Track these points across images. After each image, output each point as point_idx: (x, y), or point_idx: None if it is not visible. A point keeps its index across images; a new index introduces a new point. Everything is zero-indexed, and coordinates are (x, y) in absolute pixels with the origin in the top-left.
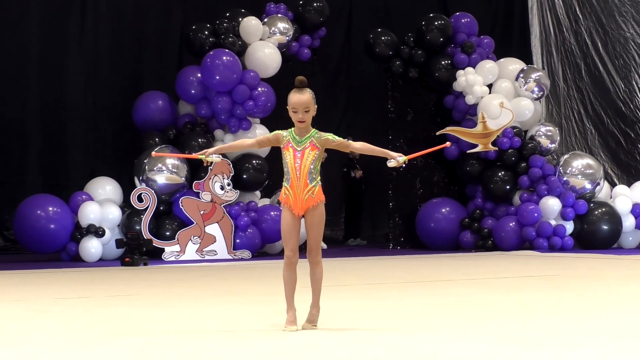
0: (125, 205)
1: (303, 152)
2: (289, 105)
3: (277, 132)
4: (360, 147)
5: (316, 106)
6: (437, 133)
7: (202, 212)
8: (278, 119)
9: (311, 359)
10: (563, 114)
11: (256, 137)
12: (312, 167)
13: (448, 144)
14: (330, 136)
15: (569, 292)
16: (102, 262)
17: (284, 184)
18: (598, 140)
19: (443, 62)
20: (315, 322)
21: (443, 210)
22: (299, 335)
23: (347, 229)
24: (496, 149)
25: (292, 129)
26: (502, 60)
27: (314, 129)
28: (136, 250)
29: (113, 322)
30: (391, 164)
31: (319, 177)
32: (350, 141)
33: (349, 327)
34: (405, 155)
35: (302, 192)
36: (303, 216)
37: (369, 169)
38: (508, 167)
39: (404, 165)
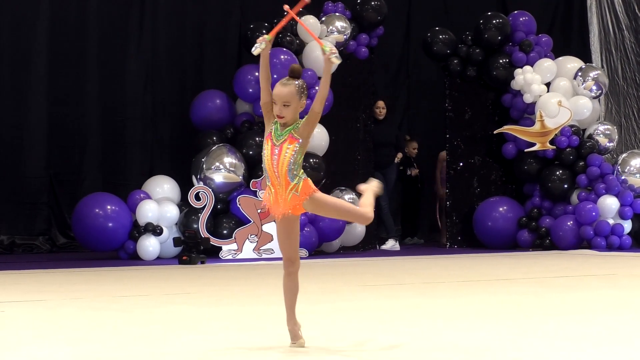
0: (183, 203)
1: (281, 148)
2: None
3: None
4: (318, 96)
5: (304, 101)
6: (495, 132)
7: (259, 211)
8: (337, 118)
9: (371, 358)
10: (623, 112)
11: (270, 93)
12: (291, 163)
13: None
14: (303, 120)
15: (627, 290)
16: (160, 260)
17: (267, 182)
18: None
19: (501, 61)
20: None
21: (500, 209)
22: (358, 333)
23: (404, 228)
24: (554, 147)
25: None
26: (560, 58)
27: (299, 121)
28: (194, 249)
29: (171, 319)
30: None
31: (302, 172)
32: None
33: (408, 326)
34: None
35: (285, 192)
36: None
37: (427, 168)
38: (566, 166)
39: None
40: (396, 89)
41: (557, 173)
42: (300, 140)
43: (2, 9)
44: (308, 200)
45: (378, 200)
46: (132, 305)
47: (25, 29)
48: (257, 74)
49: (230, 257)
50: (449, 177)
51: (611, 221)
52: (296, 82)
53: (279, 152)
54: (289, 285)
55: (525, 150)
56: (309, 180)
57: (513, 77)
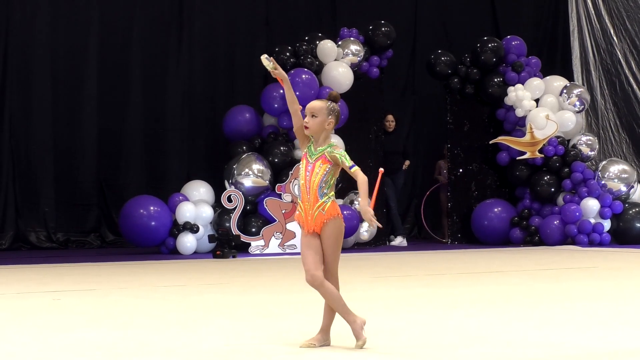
0: (217, 205)
1: (314, 165)
2: None
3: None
4: (359, 182)
5: (332, 120)
6: (490, 142)
7: (283, 211)
8: (351, 130)
9: (381, 340)
10: (601, 125)
11: (300, 117)
12: (322, 181)
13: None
14: (339, 155)
15: (607, 281)
16: (196, 254)
17: (298, 199)
18: (632, 148)
19: (496, 80)
20: (322, 343)
21: (495, 209)
22: (369, 318)
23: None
24: (542, 155)
25: (313, 140)
26: (547, 77)
27: (331, 143)
28: (226, 245)
29: (207, 306)
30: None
31: (332, 194)
32: (356, 171)
33: (414, 312)
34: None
35: (312, 208)
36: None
37: (431, 174)
38: (553, 172)
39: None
40: (403, 105)
41: (545, 178)
42: (332, 164)
43: (57, 38)
44: (330, 221)
45: (387, 201)
46: (172, 294)
47: (78, 54)
48: (281, 91)
49: (258, 252)
50: (450, 181)
51: (593, 220)
52: (329, 102)
53: (312, 169)
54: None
55: (517, 158)
56: (337, 205)
57: (506, 94)
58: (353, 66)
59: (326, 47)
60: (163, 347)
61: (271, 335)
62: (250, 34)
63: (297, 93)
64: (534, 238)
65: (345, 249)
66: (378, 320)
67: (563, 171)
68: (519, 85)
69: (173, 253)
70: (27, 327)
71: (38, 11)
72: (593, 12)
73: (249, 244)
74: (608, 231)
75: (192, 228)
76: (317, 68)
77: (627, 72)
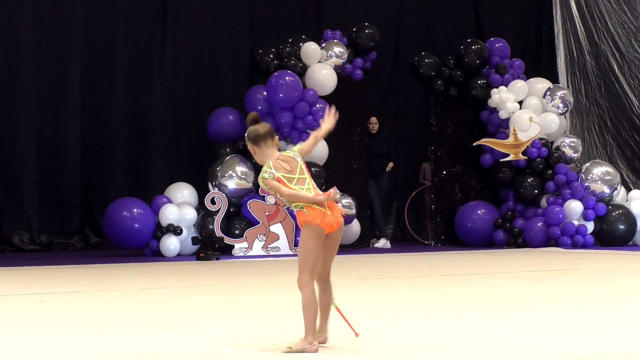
0: (200, 207)
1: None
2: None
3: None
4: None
5: (250, 145)
6: (474, 144)
7: (267, 213)
8: (334, 131)
9: (365, 343)
10: (585, 127)
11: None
12: None
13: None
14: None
15: (590, 283)
16: (180, 257)
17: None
18: (616, 150)
19: (479, 82)
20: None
21: (479, 211)
22: (354, 320)
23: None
24: (526, 157)
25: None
26: (531, 80)
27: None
28: (209, 247)
29: (191, 309)
30: None
31: None
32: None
33: (399, 314)
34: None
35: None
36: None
37: (414, 176)
38: (536, 174)
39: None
40: (387, 107)
41: (529, 180)
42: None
43: (41, 40)
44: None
45: (371, 204)
46: (156, 296)
47: (62, 56)
48: (265, 93)
49: (241, 254)
50: (433, 184)
51: (576, 222)
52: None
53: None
54: (327, 297)
55: (501, 160)
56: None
57: (490, 96)
58: (337, 68)
59: (310, 49)
60: (149, 350)
61: (257, 337)
62: (234, 36)
63: (281, 95)
64: (518, 240)
65: None
66: (364, 323)
67: (546, 173)
68: (502, 88)
69: (156, 255)
70: (11, 329)
71: (22, 13)
72: (577, 14)
73: (233, 246)
74: (591, 233)
75: (176, 230)
76: (301, 70)
77: (610, 74)
